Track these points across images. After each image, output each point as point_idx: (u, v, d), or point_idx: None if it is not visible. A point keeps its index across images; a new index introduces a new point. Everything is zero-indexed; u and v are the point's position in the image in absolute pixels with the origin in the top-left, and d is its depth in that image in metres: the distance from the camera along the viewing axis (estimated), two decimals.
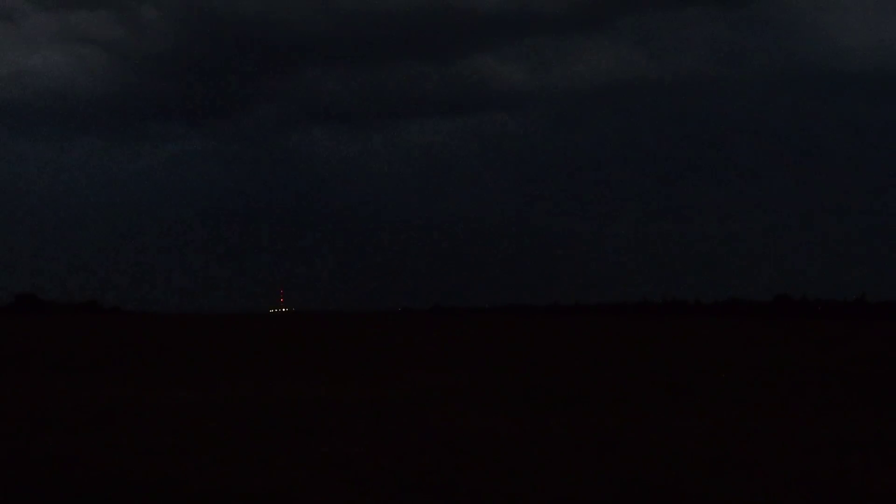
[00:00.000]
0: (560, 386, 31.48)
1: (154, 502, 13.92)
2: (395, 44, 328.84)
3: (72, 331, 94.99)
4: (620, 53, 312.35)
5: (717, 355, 50.01)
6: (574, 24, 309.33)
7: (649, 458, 17.19)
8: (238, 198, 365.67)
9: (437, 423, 21.86)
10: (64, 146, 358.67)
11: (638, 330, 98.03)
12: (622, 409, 24.59)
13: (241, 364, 43.11)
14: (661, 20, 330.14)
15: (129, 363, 43.58)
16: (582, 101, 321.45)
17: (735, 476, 15.63)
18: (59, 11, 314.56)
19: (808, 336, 79.29)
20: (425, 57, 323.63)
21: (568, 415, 23.52)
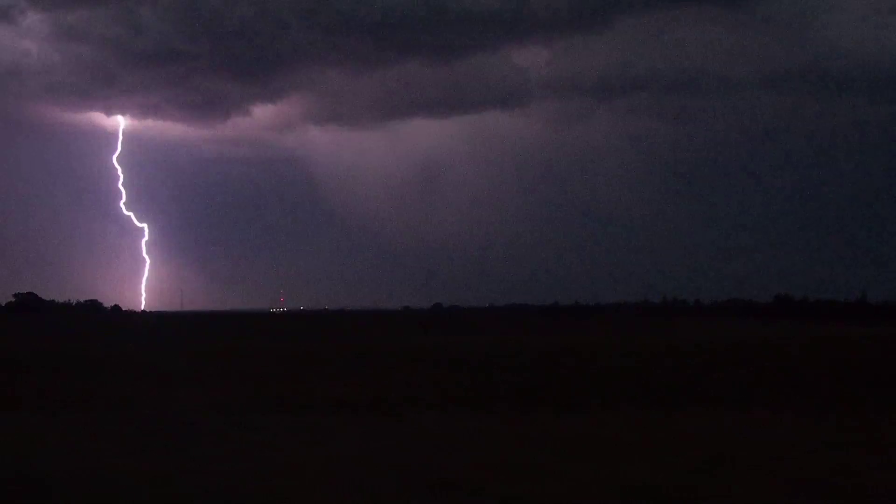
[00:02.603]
0: (560, 386, 31.48)
1: (153, 501, 13.92)
2: (393, 44, 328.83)
3: (72, 330, 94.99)
4: (619, 53, 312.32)
5: (716, 355, 50.01)
6: (572, 24, 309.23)
7: (649, 458, 17.20)
8: (238, 197, 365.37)
9: (437, 423, 21.87)
10: (63, 145, 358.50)
11: (638, 330, 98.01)
12: (622, 409, 24.60)
13: (241, 363, 43.12)
14: (660, 20, 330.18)
15: (129, 362, 43.59)
16: (580, 100, 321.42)
17: (735, 476, 15.64)
18: (58, 11, 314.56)
19: (808, 336, 79.26)
20: (424, 57, 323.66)
21: (568, 415, 23.54)
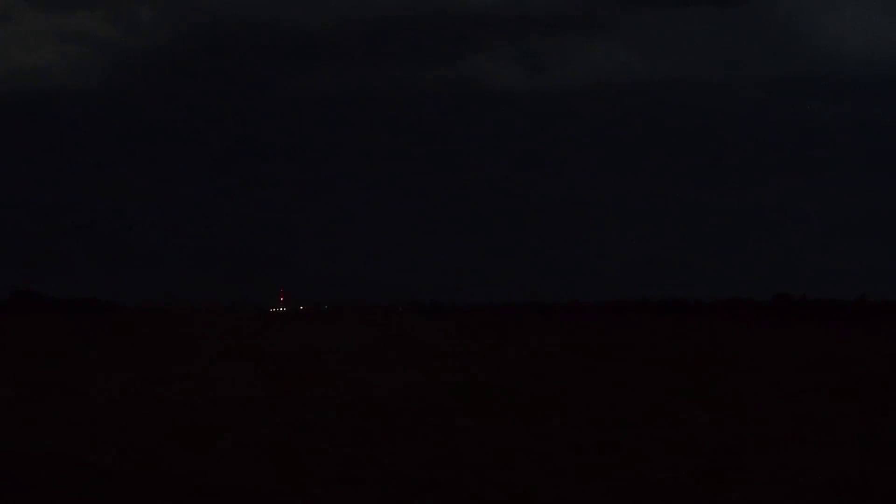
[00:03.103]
0: (560, 385, 31.45)
1: (155, 498, 13.92)
2: (392, 44, 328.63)
3: (71, 326, 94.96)
4: (617, 54, 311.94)
5: (716, 355, 49.97)
6: (570, 24, 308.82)
7: (650, 458, 17.18)
8: (237, 198, 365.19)
9: (437, 422, 21.85)
10: (61, 145, 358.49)
11: (637, 329, 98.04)
12: (622, 408, 24.57)
13: (242, 362, 43.08)
14: (658, 21, 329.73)
15: (129, 359, 43.56)
16: (578, 101, 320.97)
17: (735, 475, 15.63)
18: (56, 12, 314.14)
19: (807, 336, 79.23)
20: (422, 57, 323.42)
21: (568, 414, 23.51)
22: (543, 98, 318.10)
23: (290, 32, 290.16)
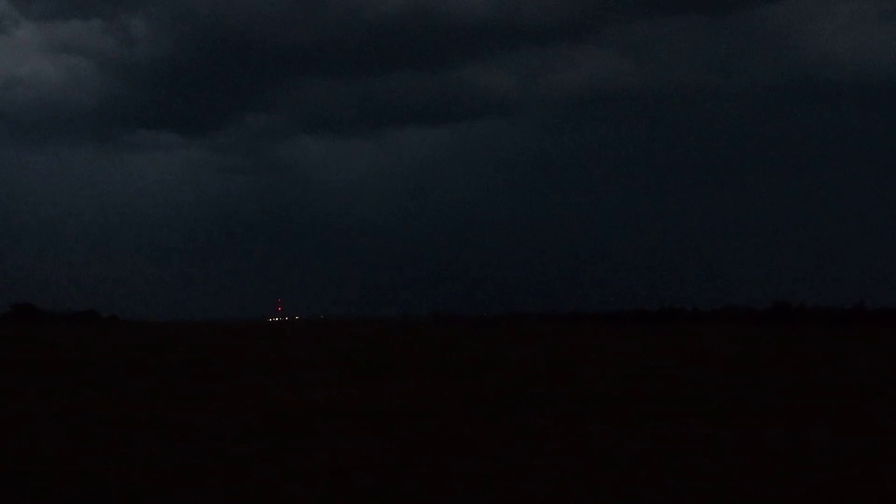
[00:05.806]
0: (558, 393, 31.49)
1: None
2: (385, 54, 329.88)
3: (70, 340, 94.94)
4: (607, 62, 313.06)
5: (715, 361, 50.02)
6: (561, 33, 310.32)
7: (648, 464, 17.20)
8: (234, 207, 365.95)
9: (436, 431, 21.87)
10: (57, 155, 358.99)
11: (635, 337, 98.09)
12: (620, 416, 24.61)
13: (240, 373, 43.11)
14: (648, 29, 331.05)
15: (128, 372, 43.56)
16: (570, 109, 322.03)
17: (735, 481, 15.65)
18: (51, 21, 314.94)
19: (806, 343, 79.31)
20: (415, 67, 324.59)
21: (566, 421, 23.53)
22: (536, 106, 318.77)
23: (284, 44, 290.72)
